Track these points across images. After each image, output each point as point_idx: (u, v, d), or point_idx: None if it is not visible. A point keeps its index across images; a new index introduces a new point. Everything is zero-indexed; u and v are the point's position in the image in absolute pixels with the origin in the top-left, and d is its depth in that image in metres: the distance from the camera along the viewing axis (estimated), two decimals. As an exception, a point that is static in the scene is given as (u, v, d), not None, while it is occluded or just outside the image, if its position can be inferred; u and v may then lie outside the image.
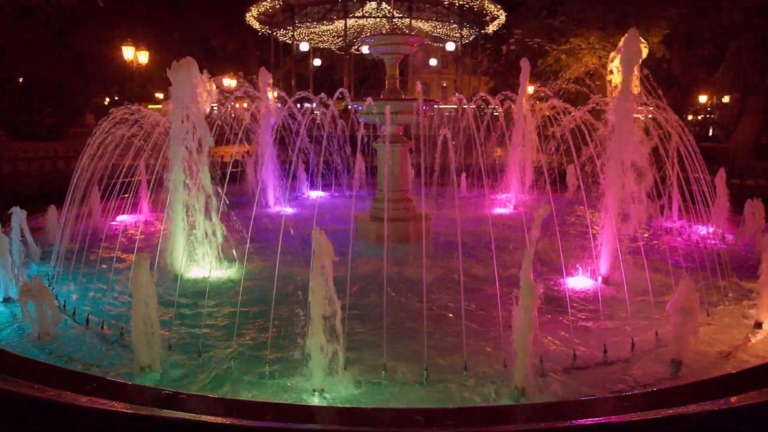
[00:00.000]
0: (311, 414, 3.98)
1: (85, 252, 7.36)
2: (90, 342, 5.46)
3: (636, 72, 7.00)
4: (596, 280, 7.10)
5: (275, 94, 13.69)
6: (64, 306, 6.29)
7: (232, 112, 11.83)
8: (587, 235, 7.24)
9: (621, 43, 7.11)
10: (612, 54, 7.24)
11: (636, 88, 6.99)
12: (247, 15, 27.25)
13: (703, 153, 8.34)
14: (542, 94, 10.23)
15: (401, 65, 10.42)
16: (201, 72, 7.21)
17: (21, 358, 4.66)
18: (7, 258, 6.58)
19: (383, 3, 26.02)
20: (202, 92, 7.17)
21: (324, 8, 26.92)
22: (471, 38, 30.67)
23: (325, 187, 14.80)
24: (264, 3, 25.75)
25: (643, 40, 7.01)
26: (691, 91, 31.33)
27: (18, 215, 7.38)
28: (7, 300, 6.44)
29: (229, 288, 6.84)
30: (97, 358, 5.08)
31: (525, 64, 13.32)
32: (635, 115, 7.16)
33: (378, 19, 27.37)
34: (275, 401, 4.28)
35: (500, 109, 12.79)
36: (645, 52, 7.04)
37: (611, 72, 7.25)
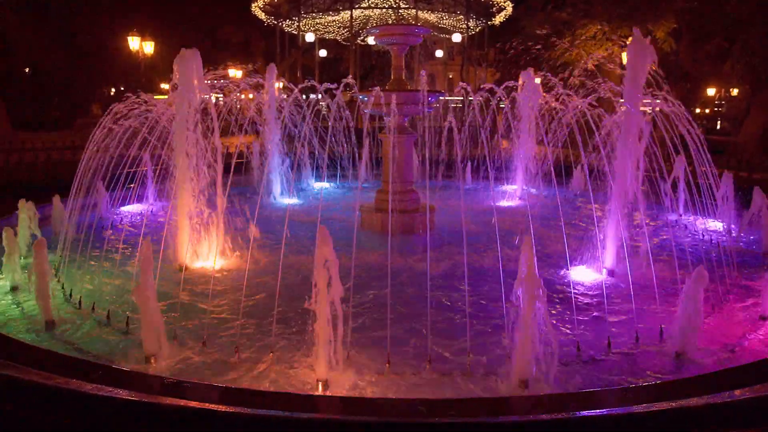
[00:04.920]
0: (315, 403, 4.00)
1: (90, 241, 7.41)
2: (96, 330, 5.50)
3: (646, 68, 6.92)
4: (601, 272, 7.09)
5: (281, 84, 13.65)
6: (70, 295, 6.34)
7: (238, 102, 11.82)
8: (592, 227, 7.22)
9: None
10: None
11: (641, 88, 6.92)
12: (253, 6, 27.15)
13: (711, 146, 8.29)
14: (549, 83, 10.16)
15: (407, 57, 10.38)
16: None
17: (28, 346, 4.71)
18: (15, 248, 6.63)
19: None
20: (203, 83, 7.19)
21: (330, -2, 26.81)
22: (478, 29, 30.46)
23: (331, 177, 14.81)
24: (270, -7, 25.67)
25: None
26: (699, 84, 31.09)
27: (25, 205, 7.44)
28: (14, 289, 6.49)
29: (234, 278, 6.87)
30: (102, 347, 5.11)
31: (529, 74, 13.16)
32: (643, 109, 7.11)
33: (384, 10, 27.20)
34: (279, 390, 4.30)
35: (506, 101, 12.71)
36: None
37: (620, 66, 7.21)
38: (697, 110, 37.96)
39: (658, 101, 7.49)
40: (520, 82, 12.85)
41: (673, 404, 3.58)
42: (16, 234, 6.98)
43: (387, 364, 4.68)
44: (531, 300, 4.17)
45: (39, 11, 28.14)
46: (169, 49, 28.42)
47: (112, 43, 31.57)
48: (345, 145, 13.43)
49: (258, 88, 11.31)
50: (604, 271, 7.10)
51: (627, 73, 6.88)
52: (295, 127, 11.59)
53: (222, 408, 3.57)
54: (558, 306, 6.09)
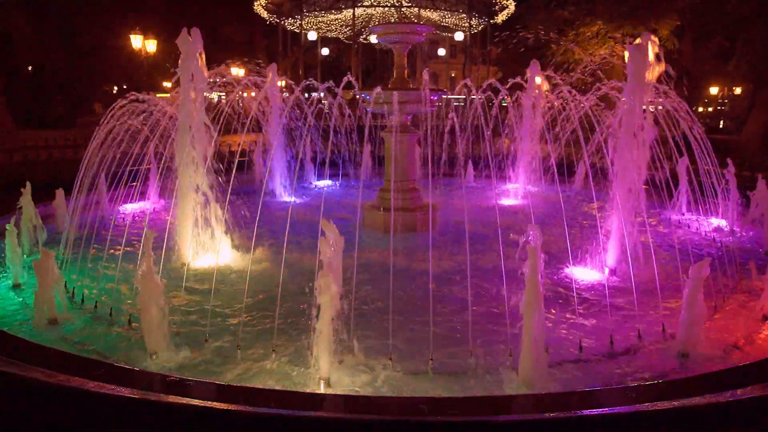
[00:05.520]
0: (316, 401, 4.00)
1: (93, 238, 7.41)
2: (98, 328, 5.51)
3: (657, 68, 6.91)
4: (603, 271, 7.07)
5: (283, 83, 13.64)
6: (73, 292, 6.34)
7: (240, 101, 11.81)
8: (595, 227, 7.20)
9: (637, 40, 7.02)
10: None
11: (653, 74, 6.89)
12: (255, 4, 27.16)
13: (713, 145, 8.26)
14: (552, 82, 10.14)
15: (410, 55, 10.35)
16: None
17: (30, 344, 4.70)
18: (17, 245, 6.64)
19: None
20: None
21: (332, -3, 26.82)
22: (480, 28, 30.45)
23: (332, 176, 14.79)
24: (272, -9, 25.71)
25: (654, 39, 6.89)
26: (702, 83, 30.99)
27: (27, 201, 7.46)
28: (16, 286, 6.49)
29: (236, 276, 6.87)
30: (105, 344, 5.12)
31: (534, 65, 13.12)
32: (646, 107, 7.09)
33: (386, 9, 27.19)
34: (281, 388, 4.30)
35: (509, 99, 12.69)
36: (654, 50, 6.93)
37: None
38: (700, 109, 37.83)
39: (660, 99, 7.47)
40: (528, 75, 12.82)
41: (676, 403, 3.57)
42: (18, 231, 6.98)
43: (389, 361, 4.68)
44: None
45: (40, 11, 28.18)
46: (170, 48, 28.44)
47: (112, 43, 31.63)
48: (346, 144, 13.41)
49: (258, 87, 11.28)
50: (607, 269, 7.09)
51: (629, 72, 6.87)
52: (297, 126, 11.57)
53: (224, 406, 3.56)
54: (560, 305, 6.08)
